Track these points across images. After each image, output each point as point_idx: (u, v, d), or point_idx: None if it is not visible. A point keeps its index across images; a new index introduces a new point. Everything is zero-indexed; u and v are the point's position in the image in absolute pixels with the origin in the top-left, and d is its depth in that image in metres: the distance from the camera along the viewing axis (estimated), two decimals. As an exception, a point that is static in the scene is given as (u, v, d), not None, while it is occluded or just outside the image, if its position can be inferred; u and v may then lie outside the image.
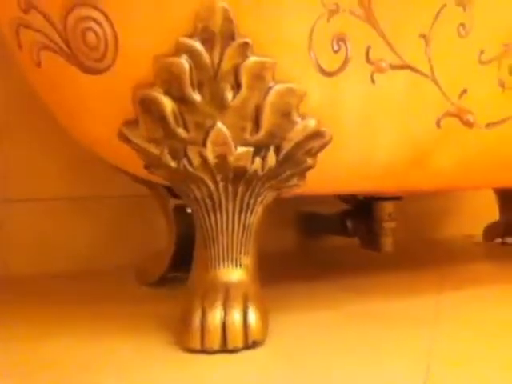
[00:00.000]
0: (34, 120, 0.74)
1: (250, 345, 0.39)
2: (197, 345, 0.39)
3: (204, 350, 0.39)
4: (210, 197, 0.43)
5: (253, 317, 0.40)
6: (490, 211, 0.93)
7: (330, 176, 0.46)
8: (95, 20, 0.38)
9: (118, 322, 0.49)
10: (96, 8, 0.38)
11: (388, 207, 0.73)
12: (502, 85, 0.48)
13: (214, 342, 0.39)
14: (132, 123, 0.40)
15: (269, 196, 0.45)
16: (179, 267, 0.63)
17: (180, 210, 0.63)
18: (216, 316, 0.39)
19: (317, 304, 0.54)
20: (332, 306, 0.54)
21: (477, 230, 0.97)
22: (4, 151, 0.73)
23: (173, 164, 0.41)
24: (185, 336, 0.40)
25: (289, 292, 0.60)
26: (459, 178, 0.54)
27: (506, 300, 0.55)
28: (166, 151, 0.40)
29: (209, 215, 0.44)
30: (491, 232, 0.96)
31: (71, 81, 0.42)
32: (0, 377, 0.36)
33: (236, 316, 0.40)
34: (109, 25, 0.38)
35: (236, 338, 0.39)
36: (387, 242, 0.74)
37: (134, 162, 0.44)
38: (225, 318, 0.39)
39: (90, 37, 0.39)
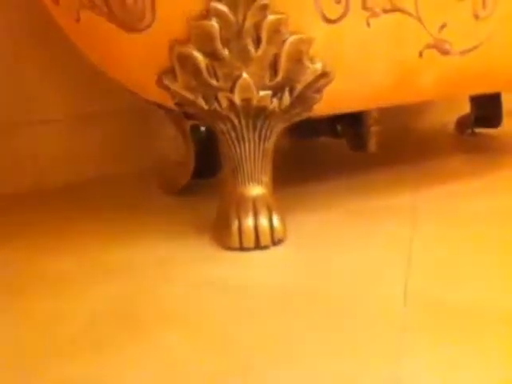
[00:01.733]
0: (46, 47, 0.79)
1: (276, 242, 0.52)
2: (236, 244, 0.51)
3: (242, 248, 0.52)
4: (234, 130, 0.53)
5: (276, 221, 0.52)
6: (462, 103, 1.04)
7: (333, 103, 0.56)
8: (134, -13, 0.44)
9: (162, 228, 0.61)
10: (134, -24, 0.43)
11: (374, 112, 0.83)
12: (476, 16, 0.56)
13: (250, 241, 0.51)
14: (169, 73, 0.48)
15: (282, 125, 0.54)
16: (199, 176, 0.74)
17: (195, 129, 0.72)
18: (249, 222, 0.52)
19: (317, 203, 0.67)
20: (329, 204, 0.66)
21: (451, 118, 1.09)
22: (21, 77, 0.79)
23: (205, 106, 0.50)
24: (226, 238, 0.52)
25: (290, 192, 0.72)
26: (438, 94, 0.64)
27: (474, 193, 0.68)
28: (199, 96, 0.49)
29: (234, 144, 0.53)
30: (462, 124, 1.08)
31: (111, 36, 0.48)
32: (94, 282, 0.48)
33: (264, 221, 0.52)
34: (146, -8, 0.44)
35: (266, 238, 0.52)
36: (372, 144, 0.85)
37: (167, 100, 0.52)
38: (256, 223, 0.51)
39: (129, 2, 0.45)
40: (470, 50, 0.58)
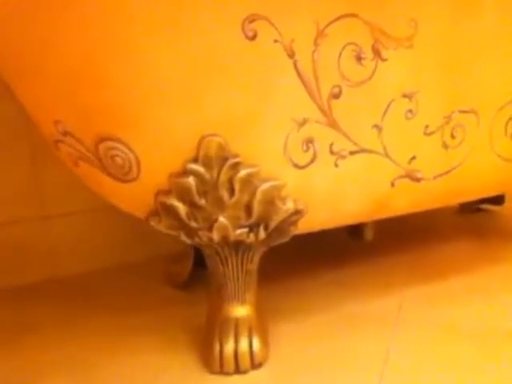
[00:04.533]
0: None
1: (255, 366, 0.56)
2: (217, 369, 0.55)
3: (223, 373, 0.55)
4: (218, 254, 0.57)
5: (256, 345, 0.56)
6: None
7: (309, 227, 0.60)
8: (121, 150, 0.50)
9: (156, 336, 0.65)
10: (121, 142, 0.49)
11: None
12: (446, 146, 0.60)
13: (230, 366, 0.55)
14: (155, 215, 0.53)
15: (263, 250, 0.59)
16: (200, 265, 0.78)
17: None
18: (230, 347, 0.55)
19: (302, 306, 0.70)
20: (313, 309, 0.69)
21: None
22: (37, 174, 0.87)
23: (187, 241, 0.55)
24: (208, 362, 0.56)
25: (280, 288, 0.75)
26: (413, 210, 0.67)
27: (463, 295, 0.69)
28: (182, 234, 0.54)
29: (218, 267, 0.58)
30: (466, 202, 1.10)
31: (104, 182, 0.54)
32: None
33: (244, 346, 0.56)
34: (132, 154, 0.50)
35: (245, 363, 0.55)
36: (369, 233, 0.88)
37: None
38: (236, 348, 0.55)
39: (118, 160, 0.51)
40: (443, 175, 0.62)
